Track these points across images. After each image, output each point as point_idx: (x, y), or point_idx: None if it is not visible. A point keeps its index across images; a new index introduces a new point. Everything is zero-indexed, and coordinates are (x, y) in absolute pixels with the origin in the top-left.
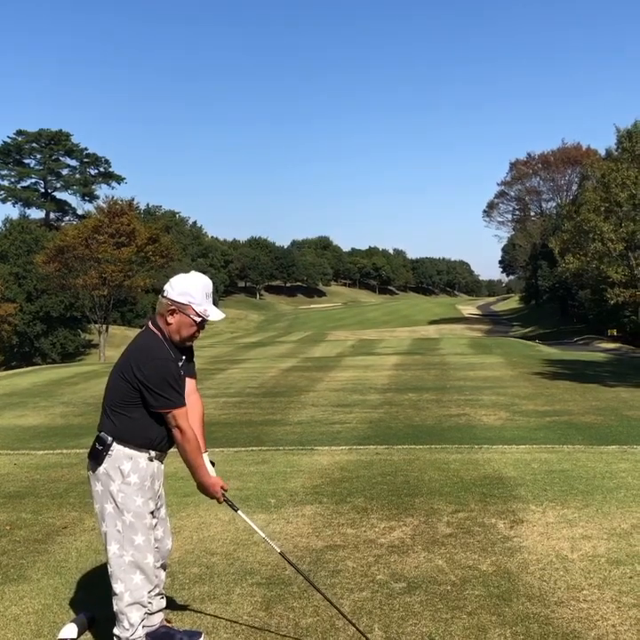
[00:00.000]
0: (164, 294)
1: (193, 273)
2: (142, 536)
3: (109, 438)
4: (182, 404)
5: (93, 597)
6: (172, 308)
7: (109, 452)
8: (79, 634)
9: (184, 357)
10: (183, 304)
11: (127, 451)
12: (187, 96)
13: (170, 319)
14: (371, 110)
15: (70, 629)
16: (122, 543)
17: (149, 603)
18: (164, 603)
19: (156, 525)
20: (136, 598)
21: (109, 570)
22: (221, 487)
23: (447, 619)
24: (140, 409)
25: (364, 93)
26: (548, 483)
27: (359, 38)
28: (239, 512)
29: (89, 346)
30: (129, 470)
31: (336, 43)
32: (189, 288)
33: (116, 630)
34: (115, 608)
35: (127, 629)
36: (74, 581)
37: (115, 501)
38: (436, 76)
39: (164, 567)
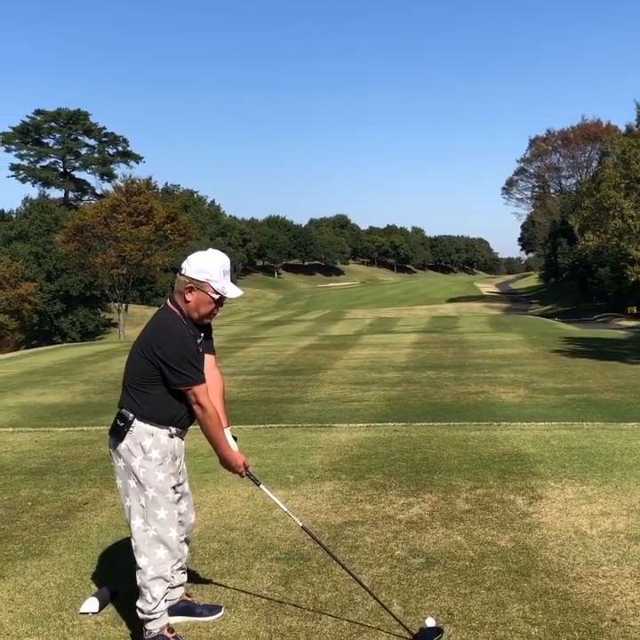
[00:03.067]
0: (182, 272)
1: (210, 250)
2: (165, 510)
3: (131, 415)
4: (202, 380)
5: (114, 572)
6: (190, 285)
7: (131, 429)
8: (100, 608)
9: (203, 335)
10: (201, 281)
11: (148, 427)
12: (207, 78)
13: (188, 297)
14: (389, 86)
15: (92, 603)
16: (145, 518)
17: (172, 577)
18: (185, 577)
19: (179, 500)
20: (159, 572)
21: (133, 544)
22: (243, 462)
23: (466, 594)
24: (161, 386)
25: (383, 69)
26: (568, 459)
27: (377, 7)
28: (262, 486)
29: (108, 324)
30: (150, 446)
31: (352, 12)
32: (207, 265)
33: (138, 603)
34: (138, 582)
35: (150, 603)
36: (95, 556)
37: (137, 477)
38: (451, 51)
39: (187, 541)
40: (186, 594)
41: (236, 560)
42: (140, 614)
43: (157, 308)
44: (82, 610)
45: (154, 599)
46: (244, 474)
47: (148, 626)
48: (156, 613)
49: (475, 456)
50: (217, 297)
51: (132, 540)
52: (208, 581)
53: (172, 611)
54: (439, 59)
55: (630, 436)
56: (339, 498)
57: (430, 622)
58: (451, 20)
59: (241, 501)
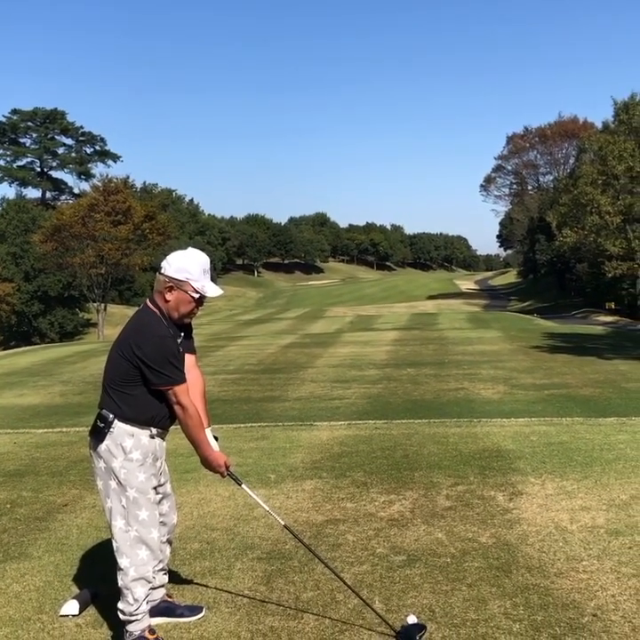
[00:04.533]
0: (162, 271)
1: (190, 249)
2: (146, 511)
3: (111, 415)
4: (183, 380)
5: (95, 574)
6: (170, 284)
7: (111, 430)
8: (81, 610)
9: (183, 334)
10: (181, 280)
11: (128, 428)
12: (185, 77)
13: (168, 296)
14: (366, 85)
15: (72, 606)
16: (127, 519)
17: (153, 578)
18: (166, 579)
19: (161, 501)
20: (141, 573)
21: (115, 545)
22: (225, 462)
23: (447, 591)
24: (141, 387)
25: (360, 68)
26: (547, 455)
27: (355, 6)
28: (243, 486)
29: (87, 325)
30: (131, 447)
31: (331, 12)
32: (186, 264)
33: (120, 605)
34: (120, 583)
35: (131, 604)
36: (75, 558)
37: (118, 478)
38: (429, 49)
39: (169, 542)
40: (167, 594)
41: (217, 560)
42: (121, 616)
43: (137, 308)
44: (62, 612)
45: (135, 600)
46: (226, 473)
47: (129, 627)
48: (137, 615)
49: (455, 453)
50: (197, 296)
51: (114, 542)
52: (189, 582)
53: (153, 611)
54: (417, 56)
55: (609, 431)
56: (320, 496)
57: (411, 619)
58: (430, 18)
59: (222, 501)
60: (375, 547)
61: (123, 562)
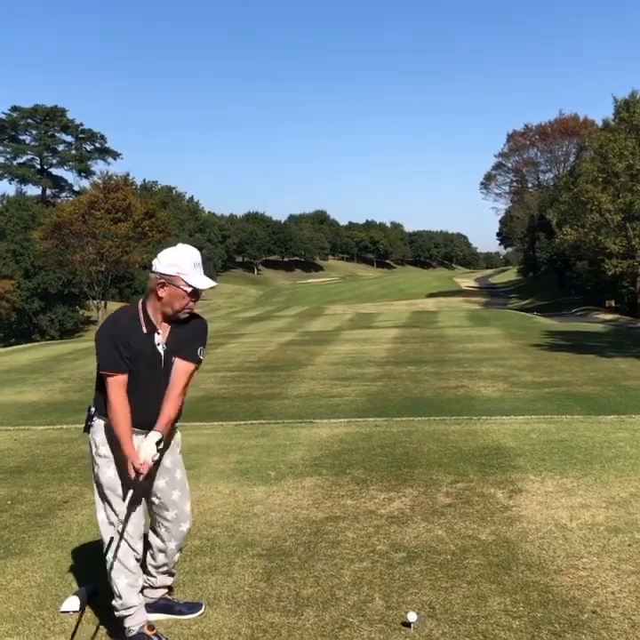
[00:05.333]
0: (153, 269)
1: (179, 245)
2: (118, 507)
3: (93, 409)
4: (115, 371)
5: (95, 570)
6: (162, 280)
7: (92, 423)
8: (81, 606)
9: (174, 334)
10: (171, 275)
11: (102, 423)
12: (183, 76)
13: (160, 293)
14: (369, 81)
15: (73, 602)
16: (106, 511)
17: (153, 577)
18: (169, 580)
19: (158, 504)
20: (120, 565)
21: (102, 538)
22: (137, 469)
23: (447, 588)
24: None
25: (360, 66)
26: (547, 453)
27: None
28: (126, 501)
29: (87, 322)
30: (99, 442)
31: (335, 5)
32: (176, 259)
33: (112, 601)
34: (108, 577)
35: (117, 599)
36: (75, 555)
37: (92, 471)
38: (429, 45)
39: (179, 549)
40: (166, 592)
41: (217, 557)
42: (115, 613)
43: None
44: (63, 609)
45: (119, 595)
46: (134, 477)
47: (126, 623)
48: (128, 609)
49: (455, 450)
50: (189, 290)
51: (102, 534)
52: (189, 578)
53: (152, 608)
54: (418, 52)
55: (609, 428)
56: (320, 493)
57: (412, 617)
58: (431, 16)
59: (222, 498)
60: (375, 544)
61: (107, 555)
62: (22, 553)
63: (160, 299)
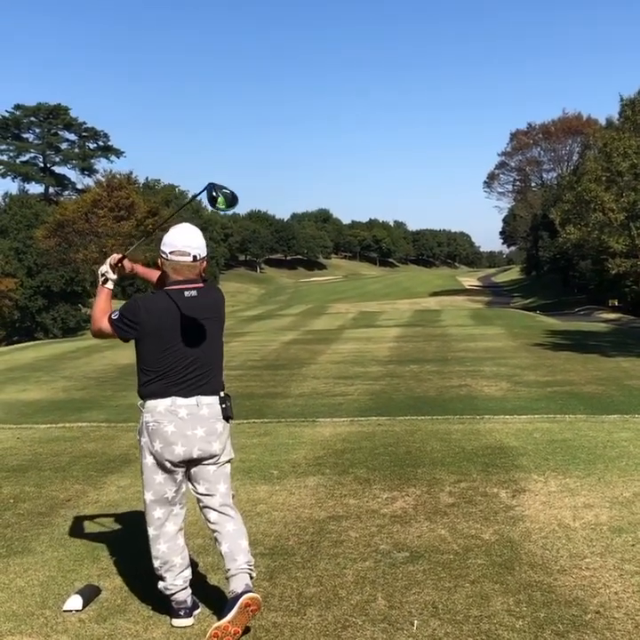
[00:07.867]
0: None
1: (179, 225)
2: (151, 493)
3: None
4: (115, 326)
5: (98, 569)
6: (161, 258)
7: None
8: (84, 605)
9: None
10: (164, 252)
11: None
12: (184, 75)
13: (163, 269)
14: (368, 82)
15: (75, 601)
16: (143, 489)
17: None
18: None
19: (203, 507)
20: (156, 532)
21: None
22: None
23: (450, 587)
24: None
25: (361, 65)
26: (550, 452)
27: None
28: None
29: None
30: (141, 426)
31: (337, 2)
32: (171, 238)
33: (154, 565)
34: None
35: (156, 565)
36: (78, 553)
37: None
38: (432, 43)
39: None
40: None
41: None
42: (163, 591)
43: None
44: (65, 607)
45: (155, 555)
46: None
47: (160, 585)
48: (165, 565)
49: (458, 449)
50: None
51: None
52: (191, 578)
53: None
54: (420, 50)
55: (612, 428)
56: (323, 492)
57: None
58: (434, 14)
59: None
60: (378, 543)
61: (149, 530)
62: (25, 551)
63: (165, 273)
